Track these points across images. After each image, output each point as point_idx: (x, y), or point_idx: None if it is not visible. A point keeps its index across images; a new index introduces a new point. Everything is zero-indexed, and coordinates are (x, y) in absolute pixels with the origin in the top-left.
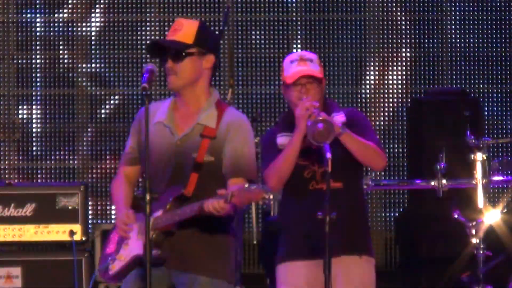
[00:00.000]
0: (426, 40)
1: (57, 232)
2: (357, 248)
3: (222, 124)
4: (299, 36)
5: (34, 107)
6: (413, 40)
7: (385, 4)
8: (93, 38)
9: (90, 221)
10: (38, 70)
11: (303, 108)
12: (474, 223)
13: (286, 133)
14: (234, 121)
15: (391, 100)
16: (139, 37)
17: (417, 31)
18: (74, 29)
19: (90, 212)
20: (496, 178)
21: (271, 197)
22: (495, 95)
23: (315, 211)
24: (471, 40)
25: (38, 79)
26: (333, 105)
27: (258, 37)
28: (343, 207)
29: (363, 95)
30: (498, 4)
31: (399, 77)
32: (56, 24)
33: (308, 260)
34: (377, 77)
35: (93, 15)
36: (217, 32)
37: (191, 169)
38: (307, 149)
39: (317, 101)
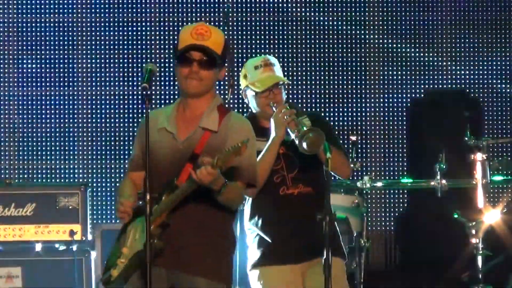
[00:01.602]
0: (426, 40)
1: (57, 232)
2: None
3: (223, 124)
4: (299, 37)
5: (34, 107)
6: (413, 40)
7: (385, 4)
8: (93, 38)
9: (90, 221)
10: (39, 70)
11: (282, 115)
12: (474, 223)
13: (261, 138)
14: (236, 123)
15: (391, 100)
16: (139, 37)
17: (417, 31)
18: (74, 29)
19: (90, 212)
20: (496, 178)
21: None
22: (495, 95)
23: (286, 216)
24: (471, 40)
25: (38, 79)
26: (298, 108)
27: (258, 37)
28: (314, 211)
29: (363, 95)
30: (498, 4)
31: (399, 77)
32: (56, 24)
33: (280, 265)
34: (377, 77)
35: (93, 15)
36: None
37: (186, 160)
38: (277, 154)
39: (285, 105)
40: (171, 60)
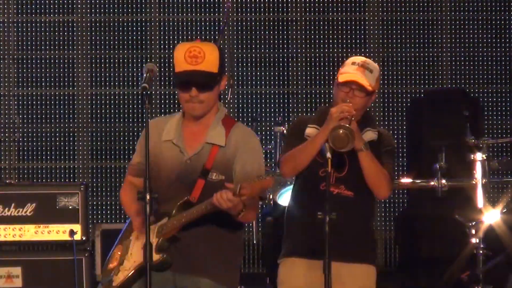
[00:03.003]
0: (426, 40)
1: (57, 232)
2: (362, 257)
3: (230, 138)
4: (299, 36)
5: (34, 107)
6: (413, 40)
7: (385, 4)
8: (93, 38)
9: (90, 221)
10: (38, 70)
11: (339, 109)
12: (474, 223)
13: (317, 125)
14: (243, 137)
15: (391, 100)
16: (139, 37)
17: (417, 31)
18: (74, 29)
19: (90, 212)
20: (496, 178)
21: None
22: (495, 95)
23: (321, 211)
24: (471, 40)
25: (38, 79)
26: (372, 120)
27: (258, 37)
28: (350, 215)
29: None
30: (498, 4)
31: (399, 77)
32: (56, 24)
33: (308, 259)
34: None
35: (93, 15)
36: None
37: (198, 176)
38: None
39: (358, 110)
40: (171, 60)
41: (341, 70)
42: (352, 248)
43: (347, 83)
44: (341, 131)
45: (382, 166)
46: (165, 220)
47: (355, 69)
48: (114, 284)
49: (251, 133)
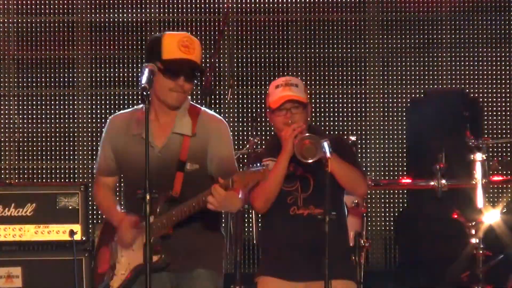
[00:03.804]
0: (426, 40)
1: (57, 232)
2: (339, 273)
3: (198, 126)
4: (299, 36)
5: (34, 107)
6: (413, 40)
7: (385, 4)
8: (93, 38)
9: (90, 221)
10: (38, 70)
11: (290, 129)
12: (474, 223)
13: (272, 158)
14: (212, 124)
15: (391, 100)
16: (139, 37)
17: (417, 31)
18: (74, 29)
19: (90, 212)
20: (496, 178)
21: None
22: (495, 95)
23: (295, 236)
24: (471, 40)
25: (38, 79)
26: (319, 130)
27: (258, 37)
28: (324, 234)
29: (363, 95)
30: (498, 4)
31: (399, 77)
32: (56, 24)
33: (281, 279)
34: (377, 77)
35: (93, 15)
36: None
37: (175, 169)
38: (291, 175)
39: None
40: None
41: (269, 99)
42: (329, 266)
43: (282, 106)
44: (307, 142)
45: (351, 166)
46: (151, 218)
47: (281, 91)
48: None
49: (219, 118)
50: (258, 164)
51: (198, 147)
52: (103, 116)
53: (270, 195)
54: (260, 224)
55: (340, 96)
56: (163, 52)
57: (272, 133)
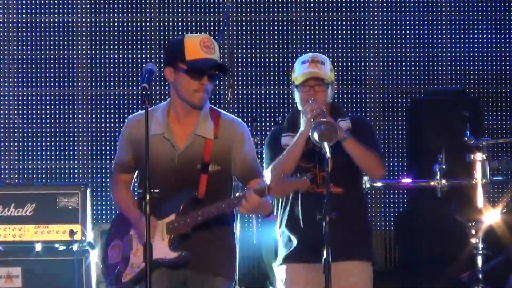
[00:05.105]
0: (426, 40)
1: (57, 232)
2: (356, 254)
3: (220, 130)
4: (299, 36)
5: (34, 107)
6: (413, 40)
7: (385, 4)
8: (93, 38)
9: (90, 221)
10: (38, 70)
11: (309, 110)
12: (474, 223)
13: (291, 133)
14: (234, 128)
15: (391, 100)
16: (139, 37)
17: (417, 31)
18: (75, 29)
19: (90, 212)
20: (496, 178)
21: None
22: (495, 95)
23: (313, 213)
24: (471, 40)
25: (38, 79)
26: (340, 110)
27: (258, 37)
28: (343, 212)
29: (363, 95)
30: (498, 4)
31: (399, 77)
32: (56, 24)
33: (306, 263)
34: (377, 77)
35: (93, 15)
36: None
37: (199, 171)
38: (310, 152)
39: (324, 104)
40: None
41: (294, 74)
42: (347, 247)
43: (305, 82)
44: (323, 127)
45: (368, 148)
46: (172, 216)
47: (307, 67)
48: (123, 280)
49: (239, 122)
50: (298, 174)
51: (220, 149)
52: (103, 116)
53: (286, 170)
54: (277, 204)
55: (340, 96)
56: (186, 54)
57: (286, 108)
